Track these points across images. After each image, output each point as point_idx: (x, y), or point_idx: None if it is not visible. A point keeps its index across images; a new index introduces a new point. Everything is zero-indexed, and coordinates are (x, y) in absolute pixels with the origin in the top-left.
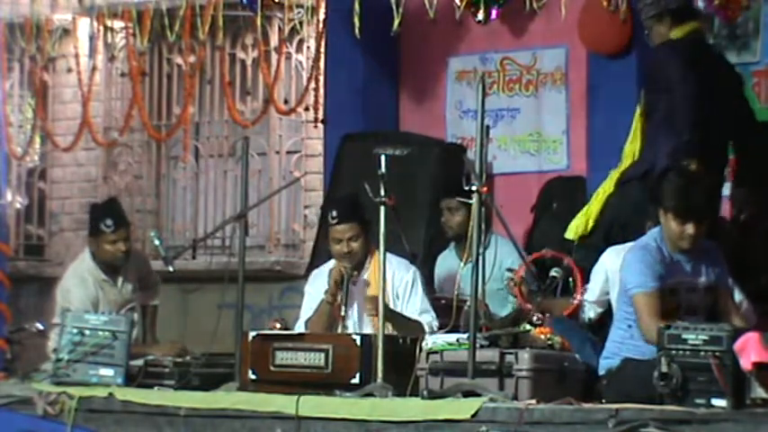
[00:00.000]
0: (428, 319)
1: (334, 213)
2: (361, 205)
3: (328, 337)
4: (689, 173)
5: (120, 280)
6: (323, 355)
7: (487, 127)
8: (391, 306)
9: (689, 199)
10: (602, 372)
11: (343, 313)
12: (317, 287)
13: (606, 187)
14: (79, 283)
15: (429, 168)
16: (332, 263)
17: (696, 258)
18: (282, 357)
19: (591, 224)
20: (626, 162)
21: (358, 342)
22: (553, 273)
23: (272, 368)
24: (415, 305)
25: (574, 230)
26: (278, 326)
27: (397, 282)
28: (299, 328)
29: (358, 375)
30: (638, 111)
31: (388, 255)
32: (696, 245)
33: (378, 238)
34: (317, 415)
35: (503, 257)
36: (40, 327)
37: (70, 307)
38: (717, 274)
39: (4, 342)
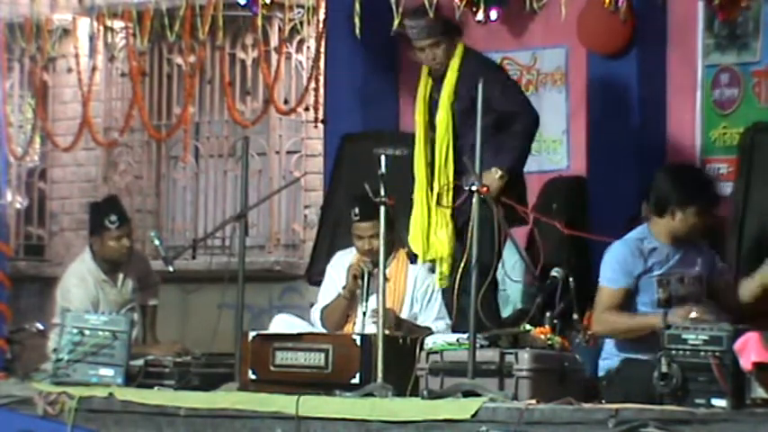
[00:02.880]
0: (441, 326)
1: (357, 210)
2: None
3: (328, 337)
4: (699, 167)
5: (120, 280)
6: (323, 355)
7: None
8: (406, 309)
9: (714, 193)
10: (601, 373)
11: (363, 309)
12: (338, 269)
13: None
14: (79, 283)
15: None
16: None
17: (688, 249)
18: (282, 357)
19: None
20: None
21: (358, 342)
22: (554, 273)
23: (272, 368)
24: (432, 311)
25: None
26: None
27: (419, 285)
28: (316, 311)
29: (358, 375)
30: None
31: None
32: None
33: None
34: (316, 415)
35: (504, 258)
36: (40, 327)
37: (70, 307)
38: (708, 265)
39: (4, 342)
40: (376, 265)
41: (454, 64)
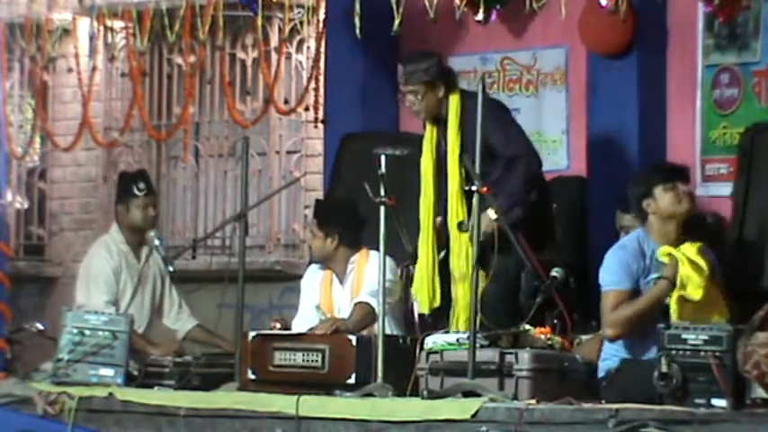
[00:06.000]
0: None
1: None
2: (337, 210)
3: (325, 338)
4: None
5: (144, 255)
6: (320, 355)
7: None
8: (363, 293)
9: (672, 166)
10: (601, 373)
11: None
12: (311, 284)
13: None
14: (103, 251)
15: None
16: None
17: None
18: (281, 357)
19: None
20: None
21: (354, 342)
22: (554, 272)
23: (270, 368)
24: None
25: None
26: (278, 326)
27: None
28: (297, 326)
29: (354, 376)
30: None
31: (374, 252)
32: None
33: (376, 240)
34: (317, 415)
35: None
36: (40, 327)
37: (90, 275)
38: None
39: (4, 342)
40: (340, 275)
41: (453, 112)
